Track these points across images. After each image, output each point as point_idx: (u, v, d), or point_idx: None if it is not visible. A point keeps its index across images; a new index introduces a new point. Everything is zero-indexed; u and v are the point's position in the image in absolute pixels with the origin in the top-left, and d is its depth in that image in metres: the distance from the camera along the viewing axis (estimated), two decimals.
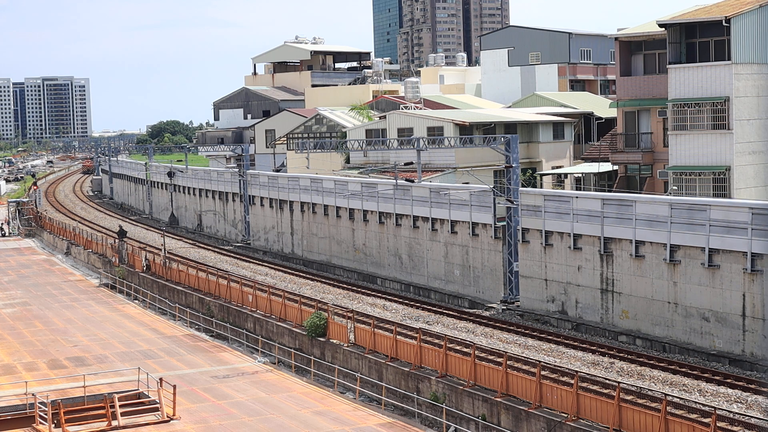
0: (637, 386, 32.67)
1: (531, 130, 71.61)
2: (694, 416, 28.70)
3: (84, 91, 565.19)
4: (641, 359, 37.62)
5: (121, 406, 34.82)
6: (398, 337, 39.03)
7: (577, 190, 61.90)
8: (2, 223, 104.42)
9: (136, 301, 61.08)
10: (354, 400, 38.08)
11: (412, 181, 56.41)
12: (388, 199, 58.62)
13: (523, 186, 52.91)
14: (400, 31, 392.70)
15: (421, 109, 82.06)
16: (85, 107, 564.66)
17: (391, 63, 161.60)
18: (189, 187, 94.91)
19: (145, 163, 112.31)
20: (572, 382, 30.77)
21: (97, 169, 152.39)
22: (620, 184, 57.02)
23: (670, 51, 51.58)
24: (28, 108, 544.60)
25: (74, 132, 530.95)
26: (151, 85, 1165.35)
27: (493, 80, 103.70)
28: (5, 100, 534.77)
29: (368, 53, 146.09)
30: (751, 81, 50.33)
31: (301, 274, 63.64)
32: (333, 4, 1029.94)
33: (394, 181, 57.27)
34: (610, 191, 53.84)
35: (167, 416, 34.91)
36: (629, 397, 30.36)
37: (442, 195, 53.78)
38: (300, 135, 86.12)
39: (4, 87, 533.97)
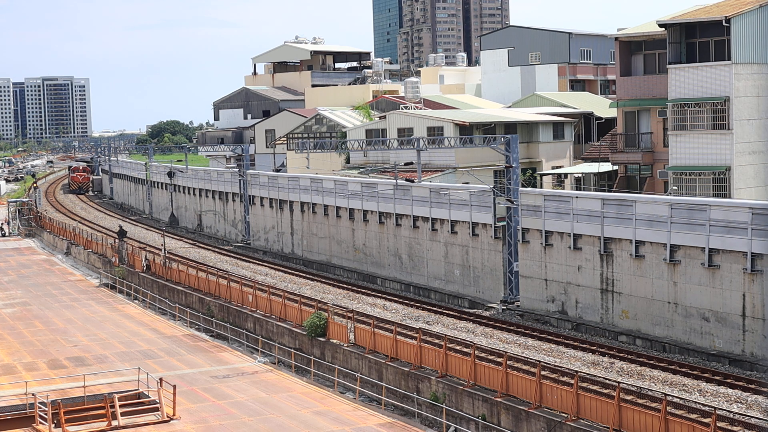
0: (637, 386, 32.67)
1: (531, 130, 71.61)
2: (694, 416, 28.70)
3: (84, 91, 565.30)
4: (641, 359, 37.61)
5: (121, 406, 34.82)
6: (398, 337, 39.03)
7: (577, 190, 61.90)
8: (2, 223, 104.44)
9: (136, 301, 61.09)
10: (354, 400, 38.08)
11: (412, 181, 56.40)
12: (388, 199, 58.62)
13: (523, 186, 52.89)
14: (400, 31, 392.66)
15: (421, 109, 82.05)
16: (85, 107, 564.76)
17: (391, 63, 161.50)
18: (189, 187, 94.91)
19: (145, 163, 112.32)
20: (572, 382, 30.77)
21: (96, 169, 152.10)
22: (620, 184, 57.02)
23: (670, 51, 51.58)
24: (28, 108, 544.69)
25: (74, 132, 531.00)
26: (151, 85, 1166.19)
27: (493, 80, 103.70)
28: (5, 100, 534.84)
29: (368, 53, 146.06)
30: (751, 81, 50.33)
31: (301, 274, 63.64)
32: (333, 4, 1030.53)
33: (394, 181, 57.27)
34: (610, 191, 53.84)
35: (167, 416, 34.92)
36: (629, 397, 30.35)
37: (442, 195, 53.78)
38: (300, 135, 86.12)
39: (4, 87, 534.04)
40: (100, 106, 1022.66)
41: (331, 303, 49.99)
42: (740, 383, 33.69)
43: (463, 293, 52.37)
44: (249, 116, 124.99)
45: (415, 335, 38.88)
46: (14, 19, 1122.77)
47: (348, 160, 75.59)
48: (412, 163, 61.26)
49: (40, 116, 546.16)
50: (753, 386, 33.26)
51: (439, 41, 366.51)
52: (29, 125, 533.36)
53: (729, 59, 49.50)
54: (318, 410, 36.04)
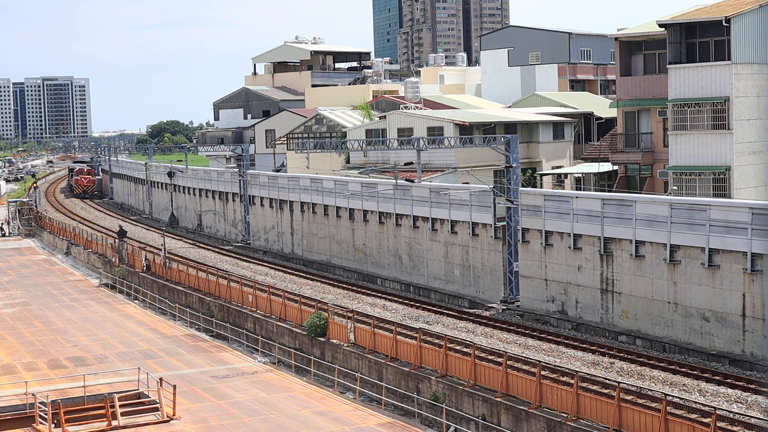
0: (637, 386, 32.67)
1: (531, 130, 71.61)
2: (694, 416, 28.70)
3: (84, 91, 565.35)
4: (641, 359, 37.62)
5: (121, 406, 34.82)
6: (398, 337, 39.03)
7: (577, 190, 61.89)
8: (2, 223, 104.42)
9: (136, 301, 61.09)
10: (354, 400, 38.08)
11: (412, 181, 56.40)
12: (388, 199, 58.62)
13: (523, 186, 52.90)
14: (400, 31, 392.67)
15: (421, 109, 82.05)
16: (85, 107, 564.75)
17: (391, 63, 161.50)
18: (189, 187, 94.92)
19: (145, 163, 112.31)
20: (572, 382, 30.77)
21: (96, 169, 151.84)
22: (620, 184, 57.02)
23: (670, 51, 51.59)
24: (28, 108, 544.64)
25: (74, 132, 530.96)
26: (151, 85, 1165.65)
27: (493, 80, 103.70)
28: (5, 100, 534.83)
29: (368, 53, 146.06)
30: (751, 81, 50.33)
31: (301, 274, 63.64)
32: (333, 4, 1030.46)
33: (394, 181, 57.27)
34: (610, 191, 53.84)
35: (167, 416, 34.92)
36: (629, 397, 30.35)
37: (442, 195, 53.78)
38: (300, 135, 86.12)
39: (4, 87, 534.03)
40: (100, 106, 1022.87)
41: (331, 303, 49.99)
42: (740, 383, 33.70)
43: (463, 293, 52.37)
44: (249, 116, 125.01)
45: (415, 335, 38.88)
46: (14, 19, 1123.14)
47: (348, 160, 75.59)
48: (412, 163, 61.27)
49: (40, 116, 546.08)
50: (753, 386, 33.27)
51: (439, 41, 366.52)
52: (29, 125, 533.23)
53: (729, 59, 49.50)
54: (318, 410, 36.05)
